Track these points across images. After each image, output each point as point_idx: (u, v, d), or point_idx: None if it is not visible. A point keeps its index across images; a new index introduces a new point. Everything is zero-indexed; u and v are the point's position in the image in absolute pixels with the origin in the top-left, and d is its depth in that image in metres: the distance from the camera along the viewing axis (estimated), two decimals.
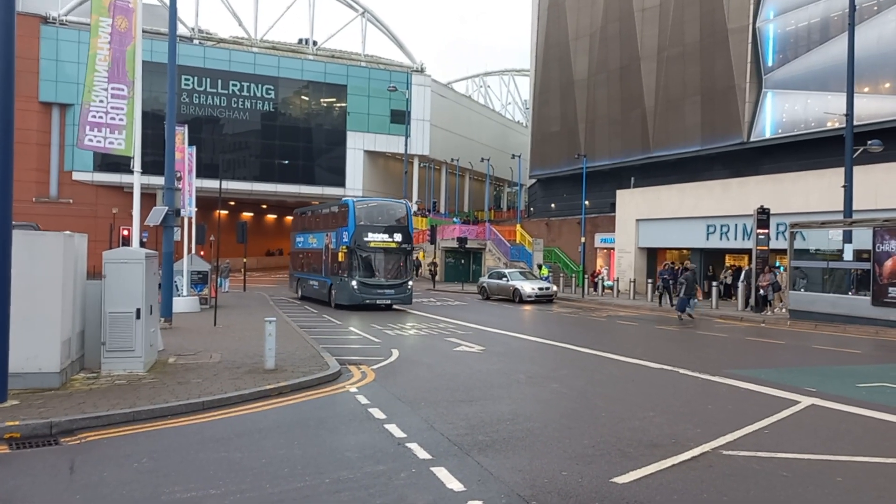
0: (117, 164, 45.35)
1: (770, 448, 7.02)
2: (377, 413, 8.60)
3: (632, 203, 37.60)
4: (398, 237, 26.37)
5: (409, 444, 7.12)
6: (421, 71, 60.75)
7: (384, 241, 26.02)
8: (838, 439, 7.51)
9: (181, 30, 54.99)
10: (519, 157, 62.09)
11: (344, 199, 27.27)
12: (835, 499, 5.55)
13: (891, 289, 19.43)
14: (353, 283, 25.43)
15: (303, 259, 32.61)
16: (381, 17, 63.01)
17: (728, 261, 33.97)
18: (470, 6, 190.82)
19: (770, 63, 35.30)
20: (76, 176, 50.57)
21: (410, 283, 26.98)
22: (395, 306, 26.60)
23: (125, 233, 32.95)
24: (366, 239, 25.67)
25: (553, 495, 5.56)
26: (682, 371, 12.03)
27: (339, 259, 25.90)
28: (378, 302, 25.83)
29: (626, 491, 5.67)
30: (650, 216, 36.24)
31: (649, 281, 32.59)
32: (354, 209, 26.00)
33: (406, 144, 43.88)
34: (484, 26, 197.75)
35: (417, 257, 29.22)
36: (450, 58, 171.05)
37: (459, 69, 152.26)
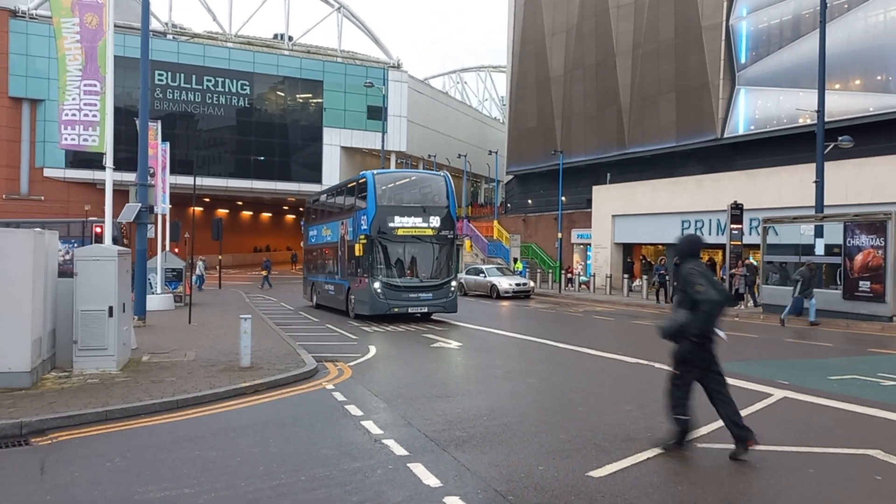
0: (90, 160, 44.70)
1: None
2: (354, 410, 8.56)
3: (608, 199, 37.84)
4: (436, 221, 20.19)
5: (385, 441, 7.09)
6: (398, 67, 60.59)
7: (416, 228, 20.02)
8: (810, 431, 7.61)
9: (154, 24, 54.36)
10: (496, 153, 62.16)
11: (362, 172, 21.37)
12: (806, 489, 5.62)
13: (861, 283, 19.73)
14: (376, 284, 19.53)
15: (316, 257, 26.67)
16: (358, 13, 62.77)
17: (702, 256, 34.30)
18: (448, 3, 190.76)
19: (743, 60, 35.67)
20: (47, 172, 49.82)
21: (454, 283, 20.60)
22: (433, 315, 21.05)
23: (98, 230, 32.55)
24: (391, 225, 19.73)
25: (529, 490, 5.57)
26: (657, 365, 12.12)
27: (357, 253, 19.85)
28: (410, 310, 19.91)
29: (602, 484, 5.70)
30: (626, 212, 36.49)
31: (625, 276, 32.81)
32: (375, 185, 20.05)
33: (383, 140, 43.74)
34: (462, 23, 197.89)
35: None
36: (428, 55, 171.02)
37: (437, 66, 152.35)
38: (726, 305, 6.50)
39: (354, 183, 21.99)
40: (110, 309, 10.60)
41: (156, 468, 6.31)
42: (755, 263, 26.02)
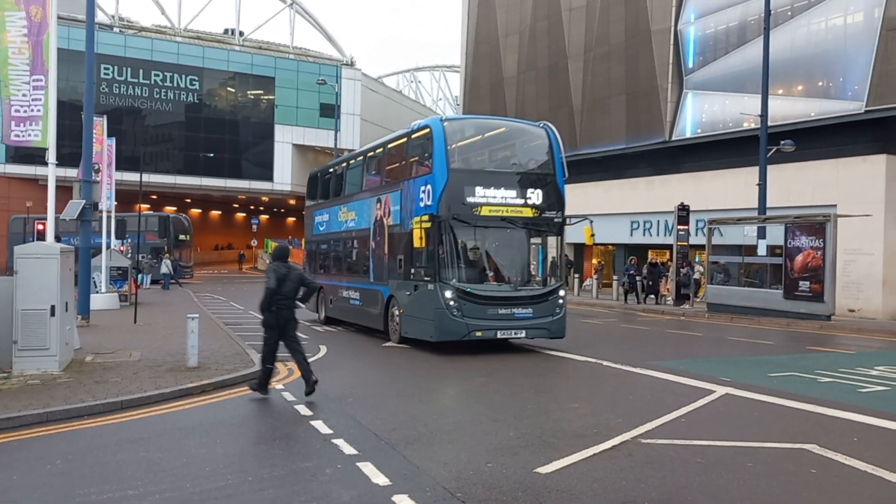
0: (32, 155, 43.38)
1: (686, 436, 7.28)
2: (303, 410, 8.51)
3: None
4: (536, 196, 13.71)
5: (335, 441, 7.07)
6: (351, 65, 60.24)
7: (508, 205, 13.52)
8: (750, 426, 7.84)
9: (100, 17, 53.05)
10: None
11: (421, 121, 14.75)
12: (745, 483, 5.79)
13: (801, 282, 20.36)
14: (447, 294, 12.88)
15: (329, 252, 20.15)
16: (311, 10, 62.30)
17: (651, 256, 34.97)
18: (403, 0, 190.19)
19: (691, 64, 36.40)
20: None
21: (563, 292, 13.98)
22: (527, 338, 13.92)
23: (40, 227, 31.64)
24: (470, 200, 13.20)
25: (478, 487, 5.62)
26: (605, 363, 12.33)
27: (416, 244, 13.48)
28: (499, 334, 13.22)
29: (549, 480, 5.79)
30: (577, 212, 36.82)
31: (576, 276, 33.23)
32: (445, 138, 13.36)
33: (336, 139, 43.42)
34: (415, 20, 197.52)
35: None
36: (382, 53, 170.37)
37: (389, 63, 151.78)
38: (277, 294, 9.36)
39: (404, 139, 15.18)
40: (52, 308, 10.32)
41: (99, 470, 6.19)
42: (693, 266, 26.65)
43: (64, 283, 10.74)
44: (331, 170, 20.92)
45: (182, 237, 43.25)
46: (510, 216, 13.57)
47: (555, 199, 13.96)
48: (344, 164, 19.84)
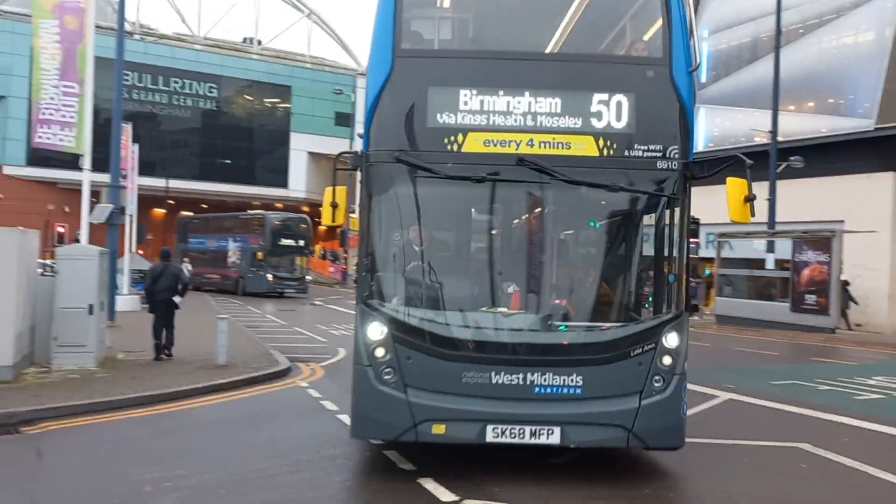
0: (50, 158, 43.86)
1: (691, 435, 7.67)
2: (329, 405, 9.02)
3: None
4: (613, 113, 5.99)
5: None
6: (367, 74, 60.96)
7: (536, 132, 5.90)
8: (749, 427, 8.35)
9: None
10: None
11: None
12: (741, 474, 6.32)
13: (807, 296, 20.76)
14: (371, 329, 6.05)
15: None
16: (328, 20, 63.09)
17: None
18: None
19: (703, 79, 36.87)
20: (7, 170, 48.97)
21: (675, 340, 5.92)
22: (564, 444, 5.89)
23: (60, 230, 32.31)
24: (443, 120, 5.92)
25: (497, 470, 6.13)
26: None
27: (325, 218, 6.33)
28: (492, 433, 5.65)
29: (562, 468, 6.32)
30: None
31: None
32: None
33: (351, 147, 44.12)
34: None
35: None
36: None
37: None
38: (149, 289, 12.29)
39: None
40: (90, 307, 10.89)
41: (145, 454, 6.75)
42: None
43: (101, 284, 11.34)
44: None
45: (284, 241, 35.90)
46: (541, 155, 5.94)
47: (667, 121, 6.36)
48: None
